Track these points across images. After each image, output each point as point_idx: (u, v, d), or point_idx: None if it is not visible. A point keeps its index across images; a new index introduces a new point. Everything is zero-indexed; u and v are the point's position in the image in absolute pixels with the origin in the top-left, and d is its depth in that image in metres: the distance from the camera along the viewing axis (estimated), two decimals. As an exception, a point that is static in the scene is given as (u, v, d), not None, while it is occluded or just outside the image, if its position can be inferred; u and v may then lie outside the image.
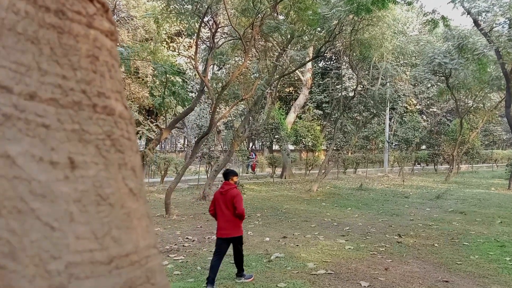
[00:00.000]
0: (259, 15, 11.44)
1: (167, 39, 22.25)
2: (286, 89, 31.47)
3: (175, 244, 7.89)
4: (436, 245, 7.98)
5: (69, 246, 0.56)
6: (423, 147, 36.17)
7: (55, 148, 0.57)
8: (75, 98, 0.61)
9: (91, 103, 0.63)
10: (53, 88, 0.59)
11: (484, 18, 16.99)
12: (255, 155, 26.11)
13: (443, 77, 20.60)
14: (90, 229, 0.58)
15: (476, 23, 16.88)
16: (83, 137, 0.61)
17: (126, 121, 0.70)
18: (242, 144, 19.44)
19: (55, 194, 0.56)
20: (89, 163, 0.60)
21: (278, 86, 19.96)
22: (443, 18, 16.42)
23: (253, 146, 35.17)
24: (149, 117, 22.43)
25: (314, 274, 6.03)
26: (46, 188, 0.55)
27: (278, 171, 24.10)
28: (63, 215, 0.56)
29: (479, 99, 24.48)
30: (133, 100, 21.10)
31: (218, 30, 13.87)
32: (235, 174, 6.00)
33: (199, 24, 11.80)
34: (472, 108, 25.37)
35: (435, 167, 30.07)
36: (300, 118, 25.22)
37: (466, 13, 16.70)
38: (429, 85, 29.16)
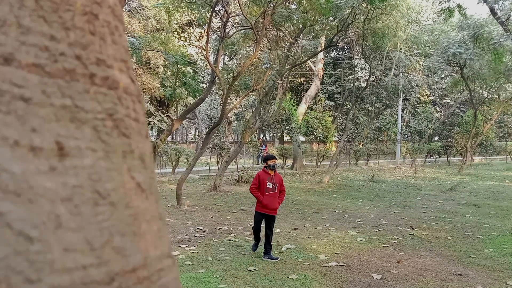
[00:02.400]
0: (271, 4, 11.30)
1: (178, 29, 22.20)
2: (297, 80, 31.25)
3: (186, 235, 7.90)
4: (449, 238, 7.87)
5: (54, 263, 0.41)
6: (436, 138, 35.75)
7: (37, 129, 0.44)
8: (67, 65, 0.48)
9: (87, 72, 0.50)
10: (37, 51, 0.46)
11: (501, 6, 16.60)
12: (266, 146, 26.06)
13: (457, 68, 20.26)
14: (83, 237, 0.44)
15: (492, 11, 16.49)
16: (77, 116, 0.47)
17: (133, 97, 0.56)
18: (252, 135, 19.39)
19: (35, 192, 0.42)
20: (84, 150, 0.47)
21: (290, 76, 19.80)
22: (458, 6, 16.08)
23: (264, 137, 35.10)
24: (161, 108, 22.51)
25: (326, 266, 5.98)
26: (22, 183, 0.41)
27: (289, 162, 24.03)
28: (46, 220, 0.42)
29: (494, 90, 24.02)
30: (144, 90, 21.16)
31: (229, 19, 13.76)
32: (268, 158, 6.63)
33: (210, 13, 11.71)
34: (486, 99, 24.94)
35: (448, 159, 29.73)
36: (311, 109, 25.05)
37: (482, 2, 16.31)
38: (443, 76, 28.74)
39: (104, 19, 0.54)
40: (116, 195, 0.49)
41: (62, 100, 0.47)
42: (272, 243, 6.49)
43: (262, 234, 6.56)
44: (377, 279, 5.49)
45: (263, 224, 6.48)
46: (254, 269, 5.81)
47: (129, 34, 17.48)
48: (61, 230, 0.43)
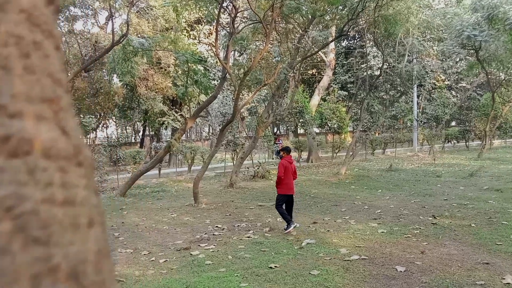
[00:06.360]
0: (279, -4, 11.16)
1: (187, 28, 22.19)
2: (309, 71, 30.97)
3: (205, 233, 7.88)
4: (473, 225, 7.68)
5: None
6: (453, 123, 35.16)
7: None
8: None
9: None
10: None
11: (515, -15, 16.12)
12: (281, 141, 25.97)
13: (472, 51, 19.78)
14: None
15: (507, -9, 16.03)
16: None
17: (64, 162, 0.33)
18: (267, 129, 19.29)
19: None
20: None
21: (301, 68, 19.62)
22: (471, -13, 15.65)
23: (278, 131, 34.94)
24: (174, 107, 22.55)
25: (348, 260, 5.88)
26: None
27: (304, 155, 23.88)
28: None
29: (511, 71, 23.47)
30: (157, 90, 21.23)
31: (238, 14, 13.65)
32: (282, 150, 8.70)
33: (218, 9, 11.62)
34: (504, 81, 24.37)
35: (467, 143, 29.18)
36: (324, 100, 24.81)
37: (496, -19, 15.87)
38: (457, 60, 28.18)
39: (10, 31, 0.31)
40: None
41: None
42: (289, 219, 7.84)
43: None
44: (401, 271, 5.37)
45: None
46: (275, 266, 5.75)
47: (139, 35, 17.50)
48: None
